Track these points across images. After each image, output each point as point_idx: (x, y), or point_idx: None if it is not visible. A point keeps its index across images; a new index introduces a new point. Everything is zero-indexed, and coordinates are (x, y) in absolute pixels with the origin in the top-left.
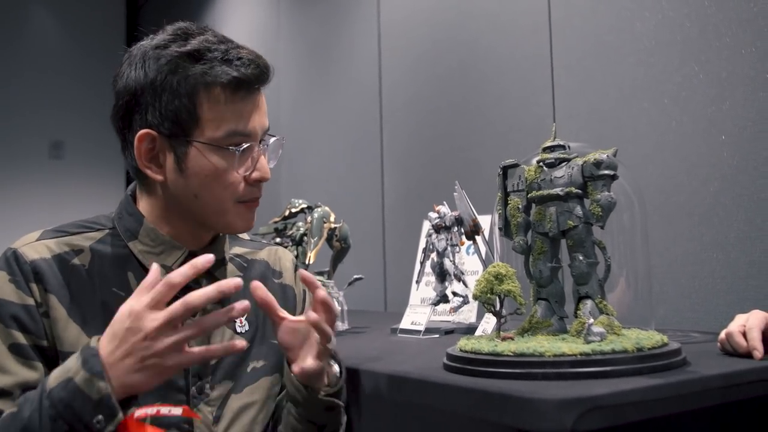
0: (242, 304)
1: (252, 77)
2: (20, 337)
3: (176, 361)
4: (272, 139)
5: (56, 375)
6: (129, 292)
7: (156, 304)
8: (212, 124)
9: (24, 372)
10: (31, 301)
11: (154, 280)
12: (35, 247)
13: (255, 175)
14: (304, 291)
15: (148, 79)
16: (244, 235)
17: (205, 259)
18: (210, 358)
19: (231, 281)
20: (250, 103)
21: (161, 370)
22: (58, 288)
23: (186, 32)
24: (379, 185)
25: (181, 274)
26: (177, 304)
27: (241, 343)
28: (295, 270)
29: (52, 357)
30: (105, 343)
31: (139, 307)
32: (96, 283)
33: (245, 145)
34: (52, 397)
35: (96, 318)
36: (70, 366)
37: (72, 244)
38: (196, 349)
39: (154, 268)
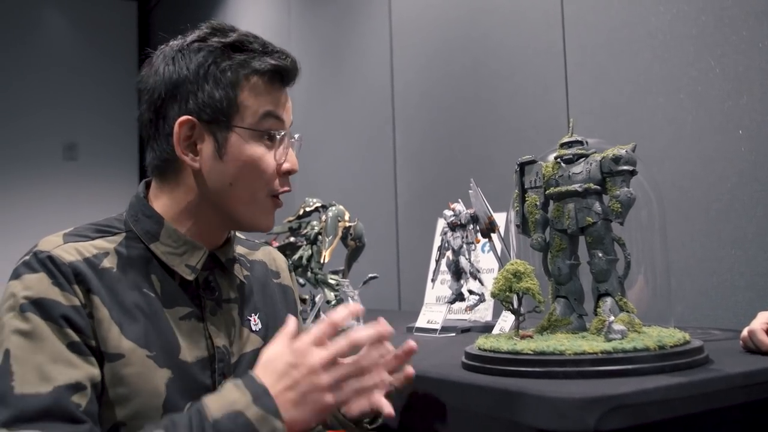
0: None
1: (290, 68)
2: (75, 336)
3: (336, 398)
4: (297, 135)
5: (218, 405)
6: (156, 294)
7: (320, 342)
8: (251, 111)
9: (88, 367)
10: (77, 302)
11: (294, 329)
12: (67, 250)
13: (286, 165)
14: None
15: (189, 71)
16: (241, 234)
17: (360, 309)
18: (366, 394)
19: (386, 328)
20: (282, 95)
21: (320, 407)
22: (98, 289)
23: (223, 28)
24: (392, 184)
25: (341, 316)
26: (342, 342)
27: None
28: (290, 272)
29: (98, 357)
30: (264, 377)
31: (303, 344)
32: (125, 285)
33: (283, 132)
34: (219, 428)
35: (131, 320)
36: (235, 398)
37: (97, 248)
38: (352, 387)
39: (293, 320)
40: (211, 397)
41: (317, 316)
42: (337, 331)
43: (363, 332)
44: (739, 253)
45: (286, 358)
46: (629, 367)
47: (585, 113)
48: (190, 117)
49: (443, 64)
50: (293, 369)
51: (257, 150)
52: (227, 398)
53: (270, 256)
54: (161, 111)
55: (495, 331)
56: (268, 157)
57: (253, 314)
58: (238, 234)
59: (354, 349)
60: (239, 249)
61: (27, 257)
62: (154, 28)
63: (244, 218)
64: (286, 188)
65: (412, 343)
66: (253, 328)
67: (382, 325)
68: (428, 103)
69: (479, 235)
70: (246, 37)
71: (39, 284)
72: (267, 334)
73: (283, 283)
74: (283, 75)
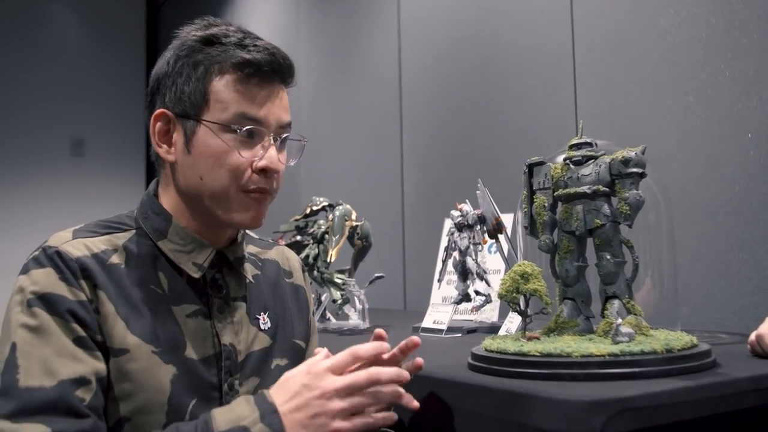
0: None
1: (264, 62)
2: (80, 331)
3: (342, 425)
4: (285, 135)
5: (226, 418)
6: (164, 291)
7: (337, 369)
8: (221, 106)
9: (93, 361)
10: (83, 297)
11: (326, 355)
12: (75, 245)
13: (261, 163)
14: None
15: (169, 66)
16: (253, 234)
17: (385, 347)
18: (371, 428)
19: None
20: (264, 90)
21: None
22: (105, 284)
23: (209, 23)
24: (399, 183)
25: (366, 350)
26: (362, 375)
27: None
28: (303, 271)
29: (104, 352)
30: (276, 395)
31: (320, 368)
32: (133, 281)
33: (249, 127)
34: None
35: (138, 316)
36: (244, 414)
37: (107, 243)
38: (360, 419)
39: (324, 351)
40: (221, 409)
41: (323, 315)
42: (357, 363)
43: (385, 371)
44: (747, 257)
45: (302, 379)
46: (636, 370)
47: (593, 115)
48: (164, 110)
49: (451, 64)
50: (306, 390)
51: (224, 145)
52: (236, 412)
53: (283, 255)
54: (151, 106)
55: (501, 332)
56: (236, 153)
57: (262, 313)
58: (250, 233)
59: (374, 384)
60: (251, 248)
61: (36, 252)
62: (162, 25)
63: (220, 214)
64: (261, 185)
65: (416, 339)
66: (262, 327)
67: (402, 374)
68: (436, 103)
69: (486, 235)
70: (226, 31)
71: (46, 279)
72: (276, 333)
73: (295, 282)
74: (260, 70)
